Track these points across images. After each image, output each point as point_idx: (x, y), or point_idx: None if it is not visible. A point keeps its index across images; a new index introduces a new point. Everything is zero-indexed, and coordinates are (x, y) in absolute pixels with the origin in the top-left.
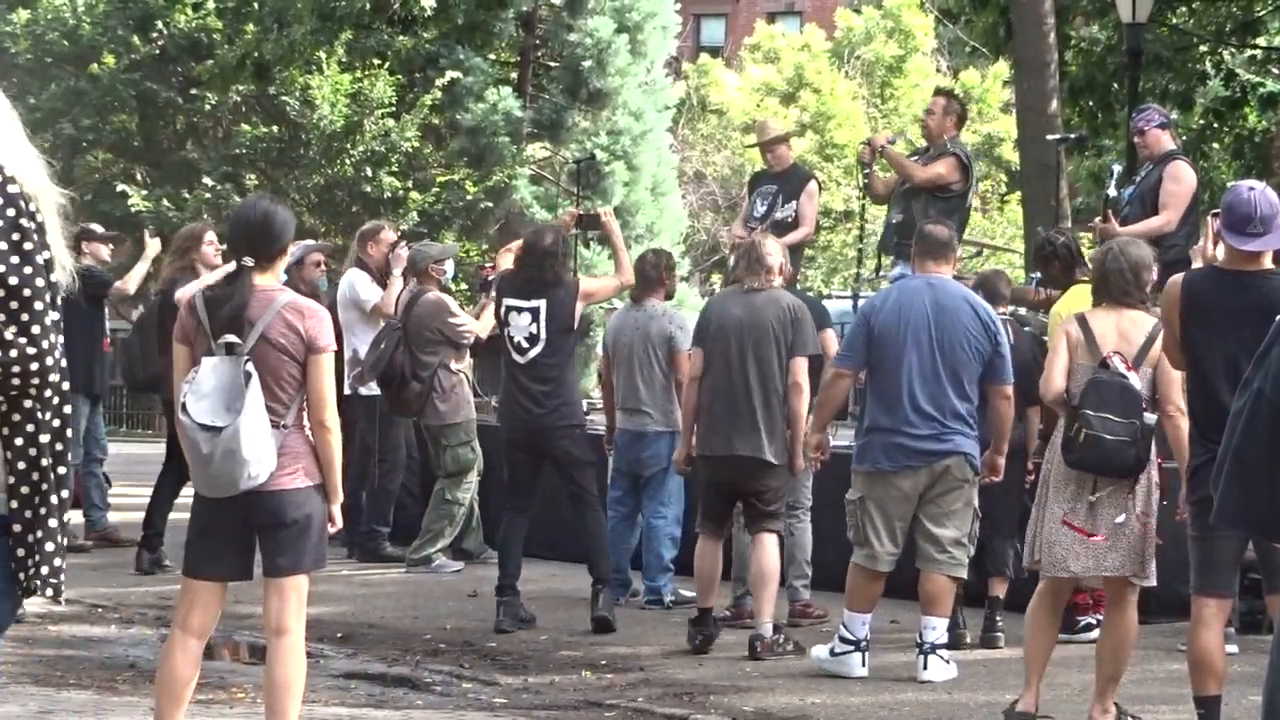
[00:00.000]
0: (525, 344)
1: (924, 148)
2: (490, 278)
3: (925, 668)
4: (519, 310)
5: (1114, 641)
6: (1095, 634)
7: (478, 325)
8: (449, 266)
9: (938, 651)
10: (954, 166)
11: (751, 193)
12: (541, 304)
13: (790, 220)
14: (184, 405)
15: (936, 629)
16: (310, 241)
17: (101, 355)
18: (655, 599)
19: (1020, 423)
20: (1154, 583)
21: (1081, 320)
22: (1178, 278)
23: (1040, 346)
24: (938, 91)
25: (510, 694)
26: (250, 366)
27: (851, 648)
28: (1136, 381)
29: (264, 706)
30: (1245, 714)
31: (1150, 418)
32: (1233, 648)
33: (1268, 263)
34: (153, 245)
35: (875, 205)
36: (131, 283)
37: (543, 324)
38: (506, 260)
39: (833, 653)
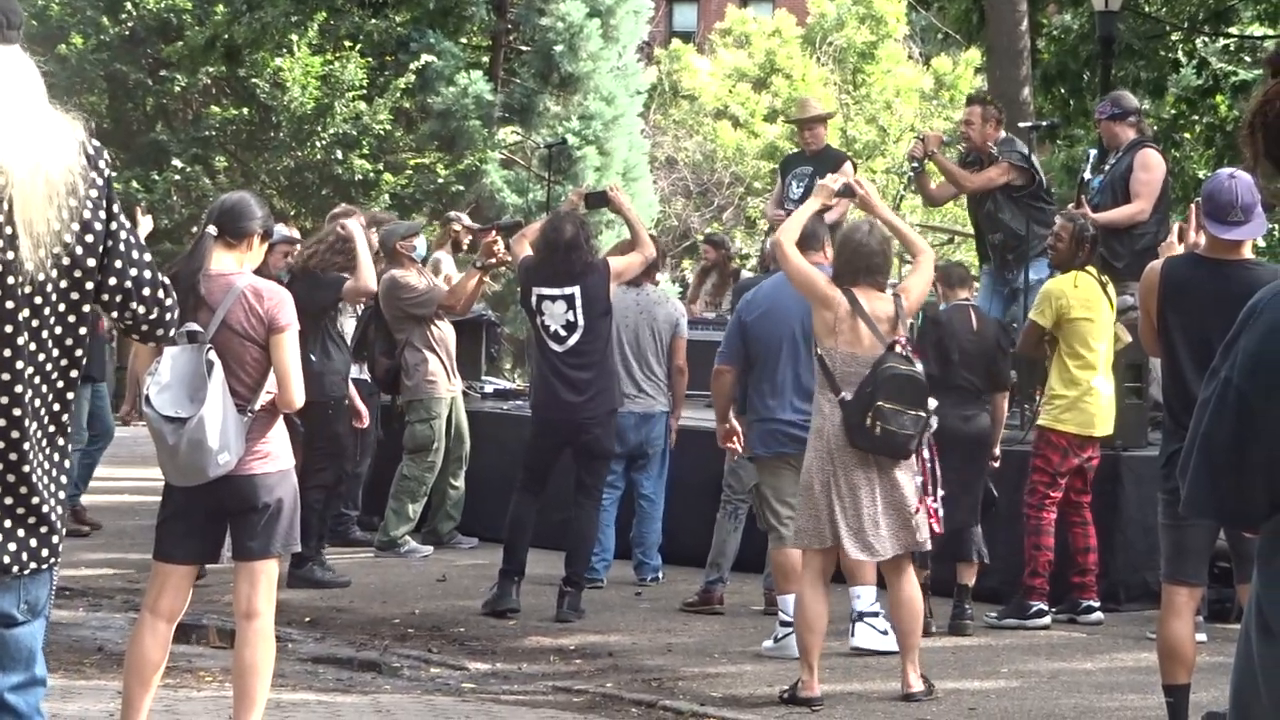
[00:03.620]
0: (563, 331)
1: (970, 158)
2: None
3: (854, 635)
4: (552, 298)
5: (909, 612)
6: (1047, 619)
7: (436, 293)
8: (419, 243)
9: (865, 619)
10: (1004, 170)
11: (785, 175)
12: (575, 290)
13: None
14: (147, 397)
15: (862, 598)
16: (286, 232)
17: (97, 338)
18: (656, 577)
19: (986, 408)
20: (930, 547)
21: (852, 297)
22: (1157, 264)
23: (1005, 333)
24: (971, 100)
25: (478, 679)
26: (212, 355)
27: (791, 629)
28: (919, 365)
29: (232, 690)
30: (1214, 703)
31: (933, 402)
32: (1201, 636)
33: (1247, 252)
34: (144, 223)
35: (929, 206)
36: None
37: (579, 310)
38: (521, 248)
39: (776, 639)
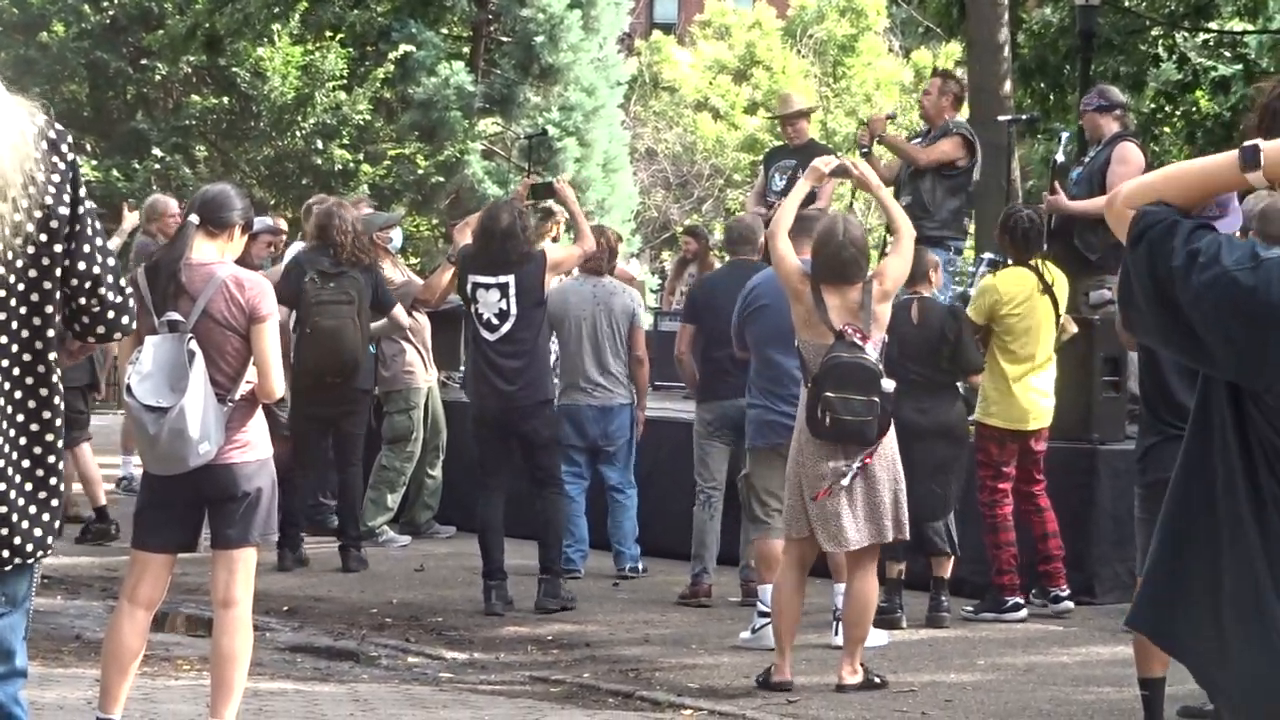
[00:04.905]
0: (495, 320)
1: (925, 130)
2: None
3: (836, 632)
4: (486, 287)
5: (859, 606)
6: (1023, 613)
7: (413, 285)
8: (395, 235)
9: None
10: (958, 144)
11: (768, 168)
12: (510, 279)
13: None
14: (129, 386)
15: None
16: (269, 222)
17: None
18: (635, 566)
19: (946, 400)
20: (907, 536)
21: (818, 293)
22: None
23: (955, 320)
24: (935, 72)
25: (456, 669)
26: (194, 344)
27: (769, 620)
28: (871, 351)
29: (209, 679)
30: (1190, 696)
31: (888, 384)
32: None
33: None
34: (130, 219)
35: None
36: None
37: (513, 299)
38: (464, 237)
39: (753, 630)
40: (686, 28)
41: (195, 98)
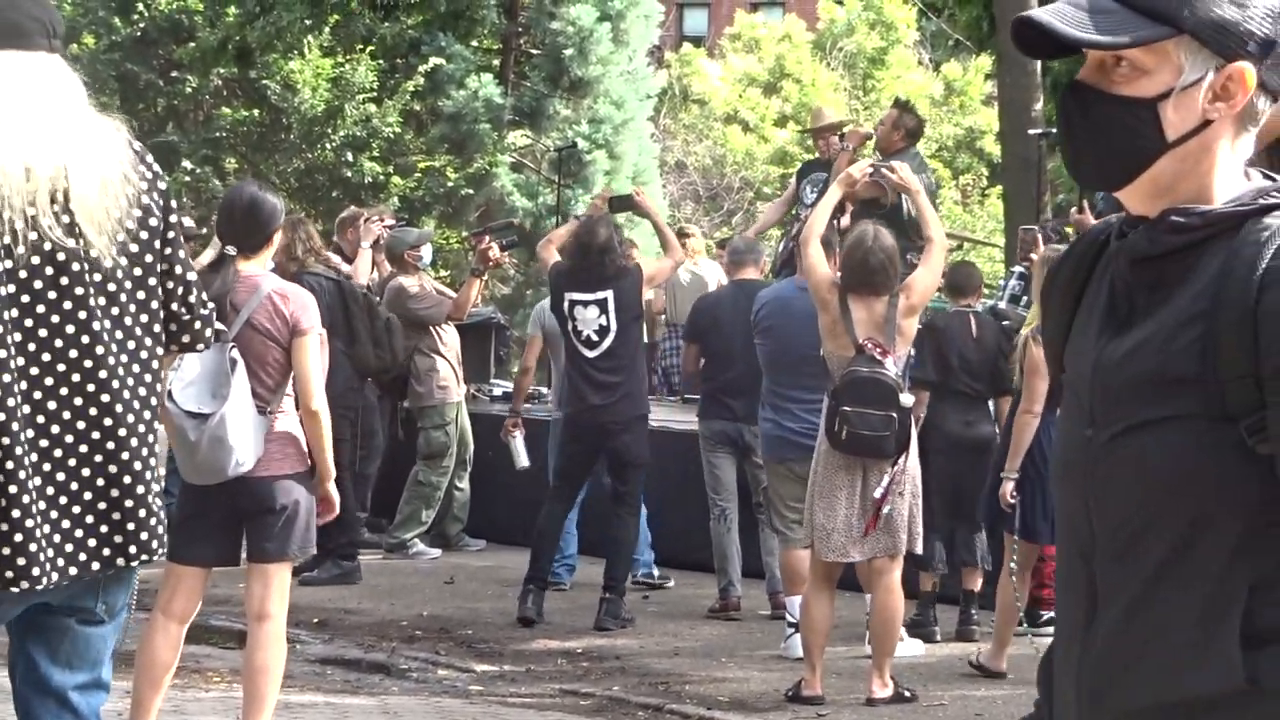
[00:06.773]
0: (595, 337)
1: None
2: (476, 268)
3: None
4: (585, 304)
5: (883, 619)
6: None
7: (445, 303)
8: (425, 252)
9: None
10: (870, 185)
11: (800, 180)
12: (609, 295)
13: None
14: (170, 393)
15: None
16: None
17: None
18: (649, 573)
19: (988, 414)
20: (920, 550)
21: (844, 304)
22: None
23: (1007, 338)
24: (896, 103)
25: (486, 681)
26: (235, 353)
27: (796, 631)
28: (891, 367)
29: (240, 690)
30: None
31: (907, 399)
32: None
33: None
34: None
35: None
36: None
37: (612, 315)
38: (549, 254)
39: (784, 640)
40: (716, 40)
41: (225, 110)
